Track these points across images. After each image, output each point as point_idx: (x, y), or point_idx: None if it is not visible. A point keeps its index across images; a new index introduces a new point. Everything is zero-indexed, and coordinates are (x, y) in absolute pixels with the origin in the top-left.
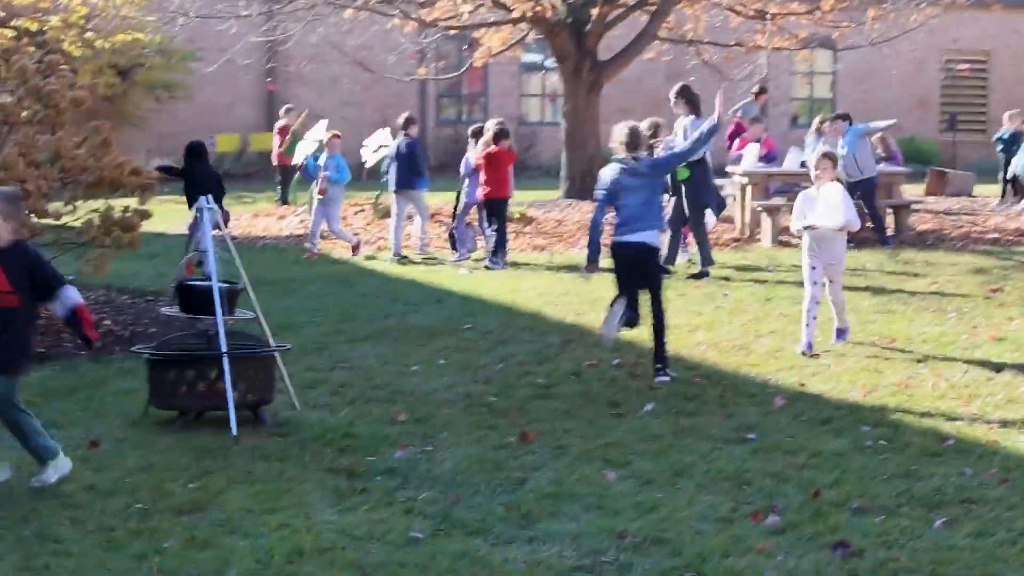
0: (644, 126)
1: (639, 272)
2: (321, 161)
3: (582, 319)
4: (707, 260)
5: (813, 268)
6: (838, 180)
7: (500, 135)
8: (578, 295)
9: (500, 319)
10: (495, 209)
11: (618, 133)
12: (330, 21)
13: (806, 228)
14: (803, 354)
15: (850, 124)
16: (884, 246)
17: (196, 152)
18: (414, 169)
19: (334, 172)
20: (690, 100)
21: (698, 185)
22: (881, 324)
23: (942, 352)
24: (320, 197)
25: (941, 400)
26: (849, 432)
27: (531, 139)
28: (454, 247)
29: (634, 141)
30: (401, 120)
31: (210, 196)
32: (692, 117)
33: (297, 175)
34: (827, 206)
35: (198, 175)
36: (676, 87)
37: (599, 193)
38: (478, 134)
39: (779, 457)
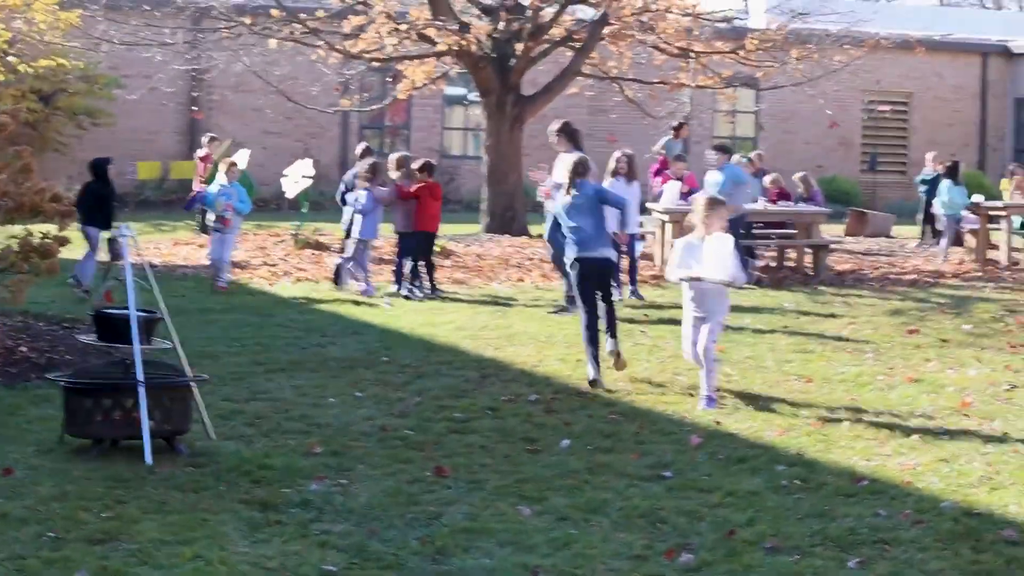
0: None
1: (602, 284)
2: (213, 188)
3: (500, 354)
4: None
5: (694, 324)
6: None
7: (428, 168)
8: (496, 329)
9: (418, 352)
10: (427, 242)
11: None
12: (255, 51)
13: (689, 279)
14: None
15: (729, 158)
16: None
17: (92, 170)
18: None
19: (238, 202)
20: (571, 137)
21: None
22: (798, 364)
23: (859, 392)
24: (221, 227)
25: (856, 440)
26: (764, 471)
27: (452, 173)
28: (337, 281)
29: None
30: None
31: (130, 224)
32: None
33: None
34: (715, 258)
35: (91, 193)
36: (557, 124)
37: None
38: (404, 164)
39: (694, 495)
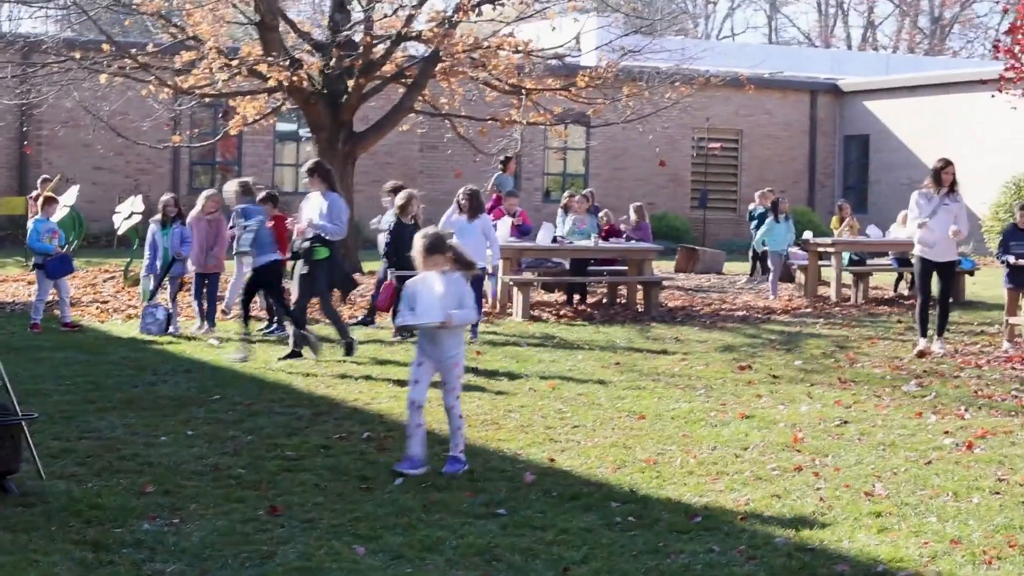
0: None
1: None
2: (29, 225)
3: (332, 392)
4: (344, 333)
5: (419, 364)
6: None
7: (273, 199)
8: (327, 367)
9: (250, 390)
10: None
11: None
12: (85, 86)
13: (408, 327)
14: (406, 475)
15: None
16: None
17: None
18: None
19: (61, 238)
20: (324, 177)
21: (336, 264)
22: (631, 400)
23: (691, 429)
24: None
25: (690, 476)
26: (598, 508)
27: (284, 209)
28: (204, 318)
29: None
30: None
31: None
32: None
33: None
34: (430, 298)
35: None
36: (309, 163)
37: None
38: (272, 199)
39: (529, 533)
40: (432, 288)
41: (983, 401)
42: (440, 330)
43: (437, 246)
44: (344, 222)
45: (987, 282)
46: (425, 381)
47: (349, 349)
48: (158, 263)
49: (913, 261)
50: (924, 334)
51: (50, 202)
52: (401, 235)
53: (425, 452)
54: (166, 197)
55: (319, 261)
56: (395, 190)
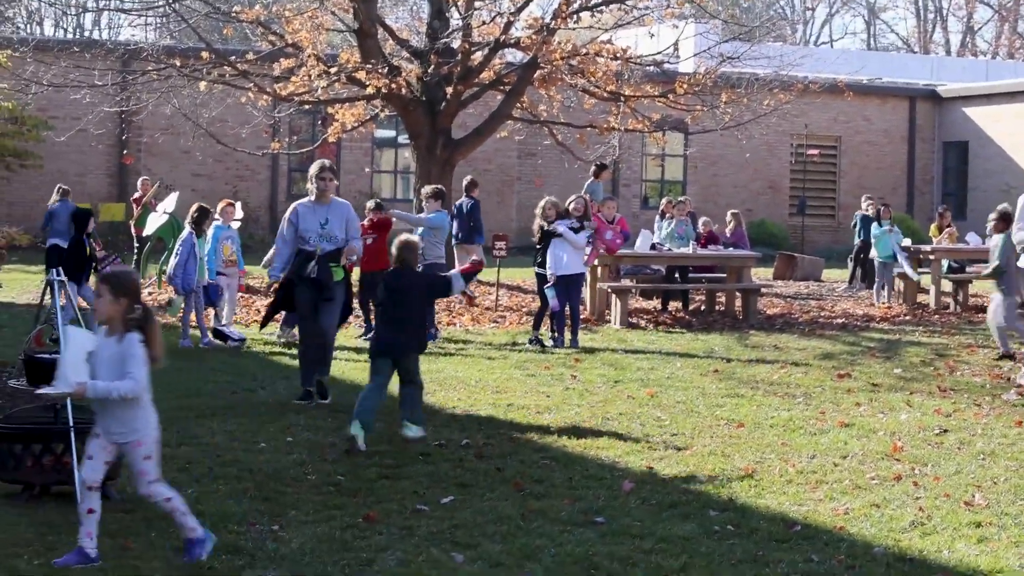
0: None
1: None
2: (209, 233)
3: (431, 398)
4: None
5: (95, 436)
6: None
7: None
8: (427, 374)
9: (349, 398)
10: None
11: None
12: (184, 93)
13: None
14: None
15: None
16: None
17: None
18: (476, 227)
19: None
20: (439, 197)
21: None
22: (729, 408)
23: (790, 437)
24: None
25: (788, 485)
26: (697, 517)
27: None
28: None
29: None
30: (465, 181)
31: (60, 268)
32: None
33: (148, 246)
34: (76, 357)
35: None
36: (430, 189)
37: None
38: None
39: (627, 541)
40: (83, 344)
41: None
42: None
43: (123, 286)
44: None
45: None
46: (100, 457)
47: (306, 396)
48: (198, 277)
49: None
50: None
51: (229, 207)
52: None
53: (95, 542)
54: (203, 205)
55: (339, 283)
56: (436, 195)
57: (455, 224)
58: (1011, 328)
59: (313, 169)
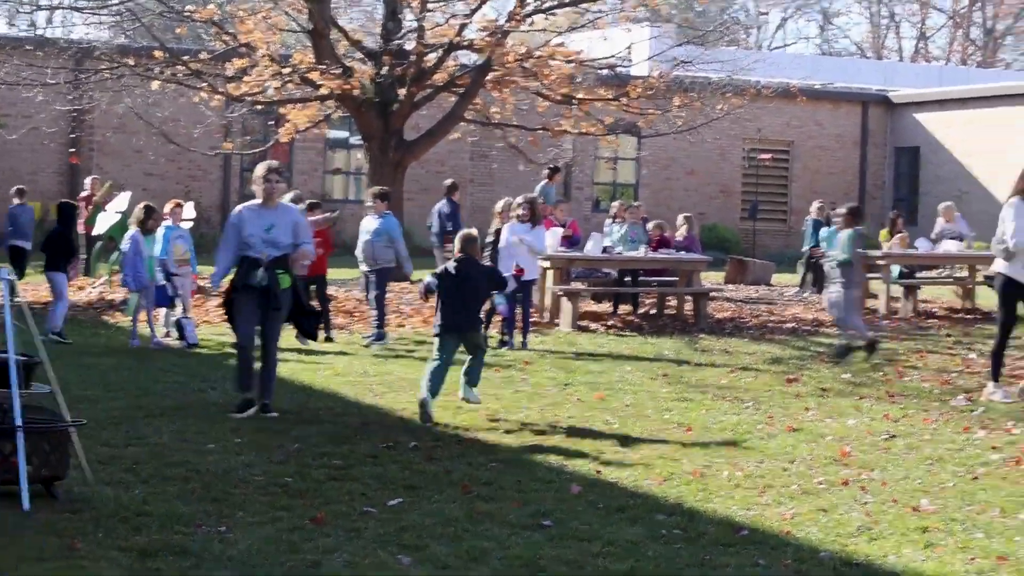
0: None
1: None
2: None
3: (380, 401)
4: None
5: None
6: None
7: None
8: (376, 376)
9: (298, 399)
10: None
11: None
12: (137, 92)
13: None
14: None
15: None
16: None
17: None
18: (454, 230)
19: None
20: (385, 198)
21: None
22: (678, 412)
23: (738, 441)
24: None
25: (736, 489)
26: (644, 520)
27: (336, 217)
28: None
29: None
30: (446, 184)
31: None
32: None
33: (99, 245)
34: None
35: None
36: (376, 190)
37: None
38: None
39: (574, 544)
40: None
41: None
42: None
43: None
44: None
45: None
46: None
47: (246, 406)
48: (147, 275)
49: (1005, 285)
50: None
51: (177, 207)
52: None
53: None
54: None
55: (286, 290)
56: (381, 196)
57: (435, 226)
58: (848, 324)
59: (259, 171)
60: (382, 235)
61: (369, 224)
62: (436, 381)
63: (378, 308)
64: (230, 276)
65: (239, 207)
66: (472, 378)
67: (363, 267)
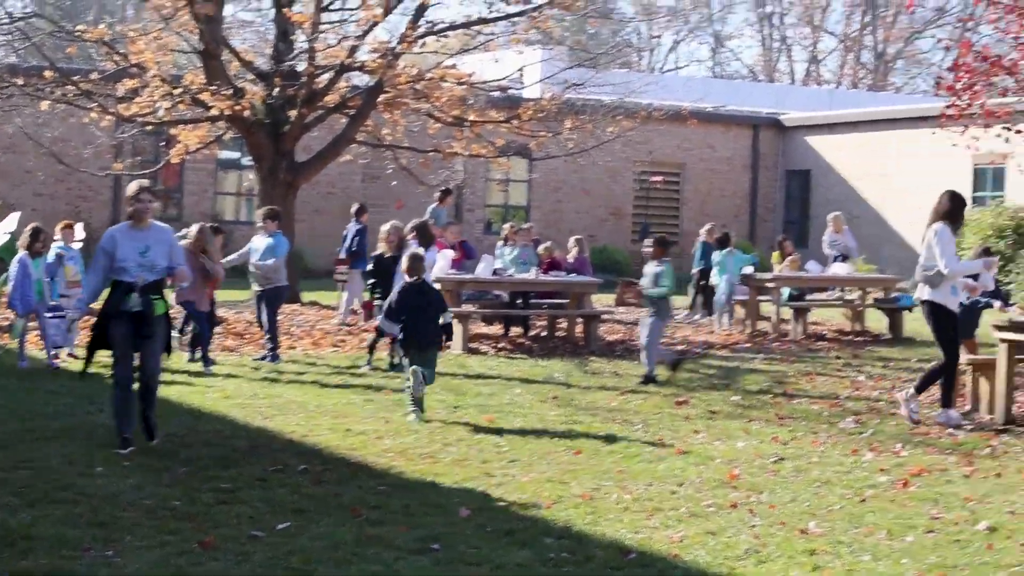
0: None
1: None
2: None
3: (269, 424)
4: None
5: None
6: None
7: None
8: (266, 398)
9: (186, 422)
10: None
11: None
12: (27, 112)
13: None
14: None
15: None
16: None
17: None
18: (359, 252)
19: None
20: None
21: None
22: (568, 435)
23: (627, 464)
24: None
25: (625, 512)
26: (533, 544)
27: (226, 238)
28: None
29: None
30: (354, 208)
31: None
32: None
33: None
34: None
35: None
36: (266, 210)
37: None
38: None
39: (463, 568)
40: None
41: (920, 438)
42: None
43: None
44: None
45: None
46: None
47: (125, 444)
48: (35, 298)
49: (936, 313)
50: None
51: (68, 228)
52: (386, 267)
53: None
54: (36, 225)
55: (160, 317)
56: (271, 216)
57: (342, 248)
58: (655, 351)
59: (130, 189)
60: (272, 255)
61: (259, 244)
62: (418, 382)
63: (271, 329)
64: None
65: (110, 229)
66: (429, 377)
67: (255, 287)
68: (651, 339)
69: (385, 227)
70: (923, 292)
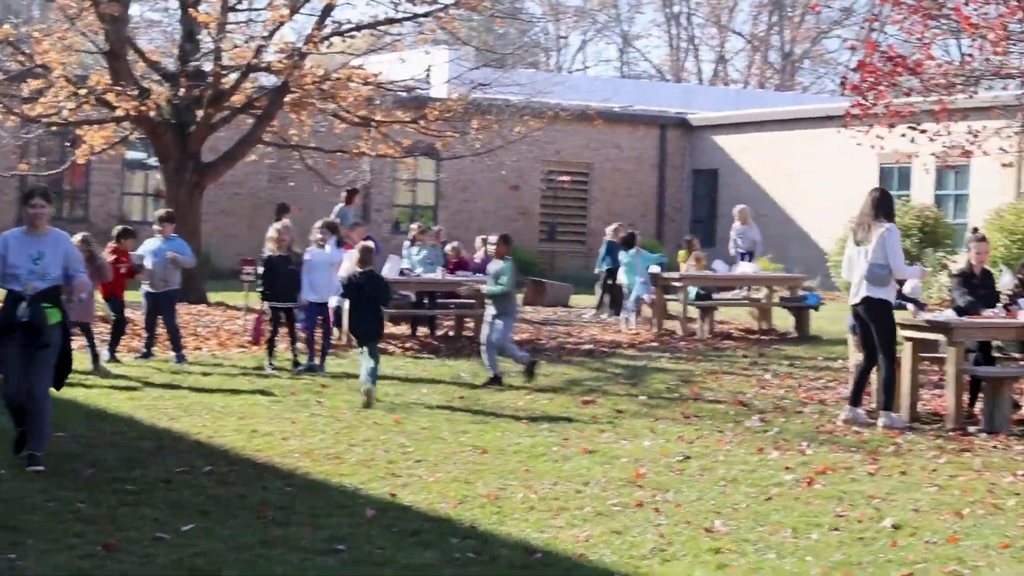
0: None
1: None
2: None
3: (175, 425)
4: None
5: None
6: None
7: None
8: (171, 400)
9: (91, 423)
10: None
11: None
12: None
13: None
14: None
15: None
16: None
17: None
18: None
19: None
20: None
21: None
22: (474, 435)
23: (533, 464)
24: None
25: (531, 512)
26: (438, 544)
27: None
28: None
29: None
30: (279, 205)
31: None
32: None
33: None
34: None
35: None
36: (162, 212)
37: None
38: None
39: (368, 569)
40: None
41: (825, 437)
42: None
43: None
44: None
45: (832, 317)
46: None
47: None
48: None
49: (884, 311)
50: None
51: None
52: (275, 267)
53: None
54: None
55: (55, 326)
56: (168, 219)
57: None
58: (508, 352)
59: (26, 195)
60: (169, 257)
61: (155, 246)
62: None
63: (171, 331)
64: None
65: (3, 233)
66: (371, 379)
67: (148, 288)
68: (503, 340)
69: (272, 228)
70: (871, 290)
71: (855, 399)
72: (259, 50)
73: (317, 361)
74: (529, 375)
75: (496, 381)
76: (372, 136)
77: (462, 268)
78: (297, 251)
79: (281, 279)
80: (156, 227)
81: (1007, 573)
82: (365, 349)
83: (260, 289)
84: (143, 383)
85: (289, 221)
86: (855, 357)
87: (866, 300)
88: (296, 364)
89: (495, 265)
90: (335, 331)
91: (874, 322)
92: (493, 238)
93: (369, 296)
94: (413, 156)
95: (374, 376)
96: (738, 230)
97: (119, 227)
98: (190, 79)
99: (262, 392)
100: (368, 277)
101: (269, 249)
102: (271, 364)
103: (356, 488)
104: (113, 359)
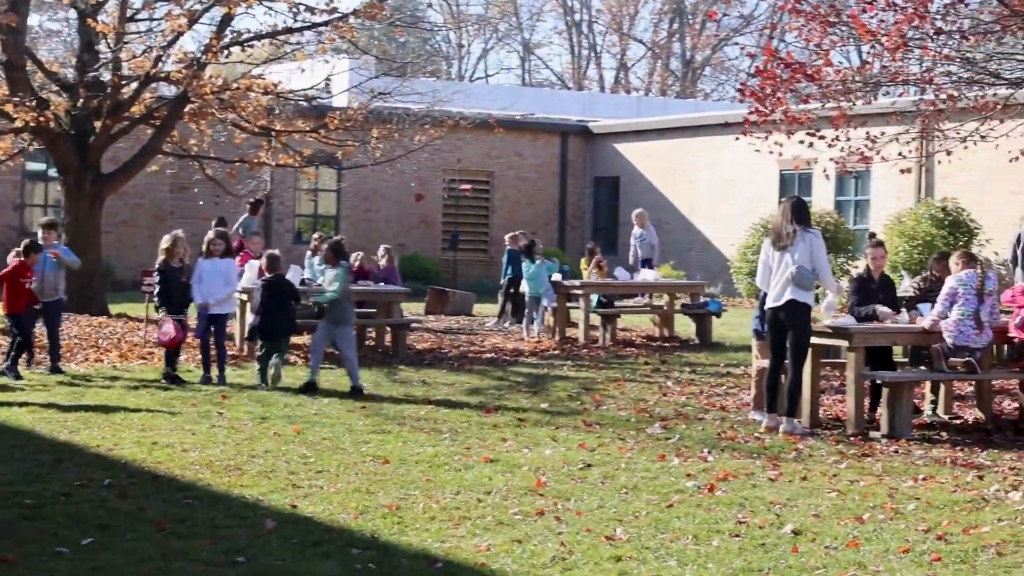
0: None
1: None
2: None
3: (75, 437)
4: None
5: None
6: None
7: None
8: (71, 412)
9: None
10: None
11: None
12: None
13: None
14: None
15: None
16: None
17: None
18: None
19: None
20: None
21: None
22: (375, 445)
23: (435, 473)
24: None
25: (432, 522)
26: (339, 555)
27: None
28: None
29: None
30: (214, 221)
31: None
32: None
33: None
34: None
35: None
36: (45, 220)
37: None
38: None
39: None
40: None
41: (726, 443)
42: None
43: None
44: None
45: (733, 323)
46: None
47: None
48: None
49: (805, 315)
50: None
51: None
52: (169, 278)
53: None
54: None
55: None
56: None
57: None
58: (316, 359)
59: None
60: (56, 266)
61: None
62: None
63: (53, 341)
64: None
65: None
66: (276, 371)
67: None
68: (319, 344)
69: (166, 239)
70: (796, 293)
71: (773, 405)
72: (158, 60)
73: (214, 374)
74: (308, 389)
75: (311, 387)
76: (272, 146)
77: (364, 277)
78: (187, 262)
79: (176, 289)
80: (40, 235)
81: None
82: (275, 355)
83: (155, 301)
84: (42, 396)
85: (180, 232)
86: (758, 362)
87: (790, 303)
88: (166, 375)
89: (329, 274)
90: (231, 343)
91: (794, 326)
92: (381, 250)
93: (282, 295)
94: (314, 166)
95: (282, 359)
96: (636, 235)
97: (26, 241)
98: (89, 89)
99: (162, 404)
100: (278, 279)
101: (162, 260)
102: (169, 376)
103: (257, 499)
104: (13, 374)
